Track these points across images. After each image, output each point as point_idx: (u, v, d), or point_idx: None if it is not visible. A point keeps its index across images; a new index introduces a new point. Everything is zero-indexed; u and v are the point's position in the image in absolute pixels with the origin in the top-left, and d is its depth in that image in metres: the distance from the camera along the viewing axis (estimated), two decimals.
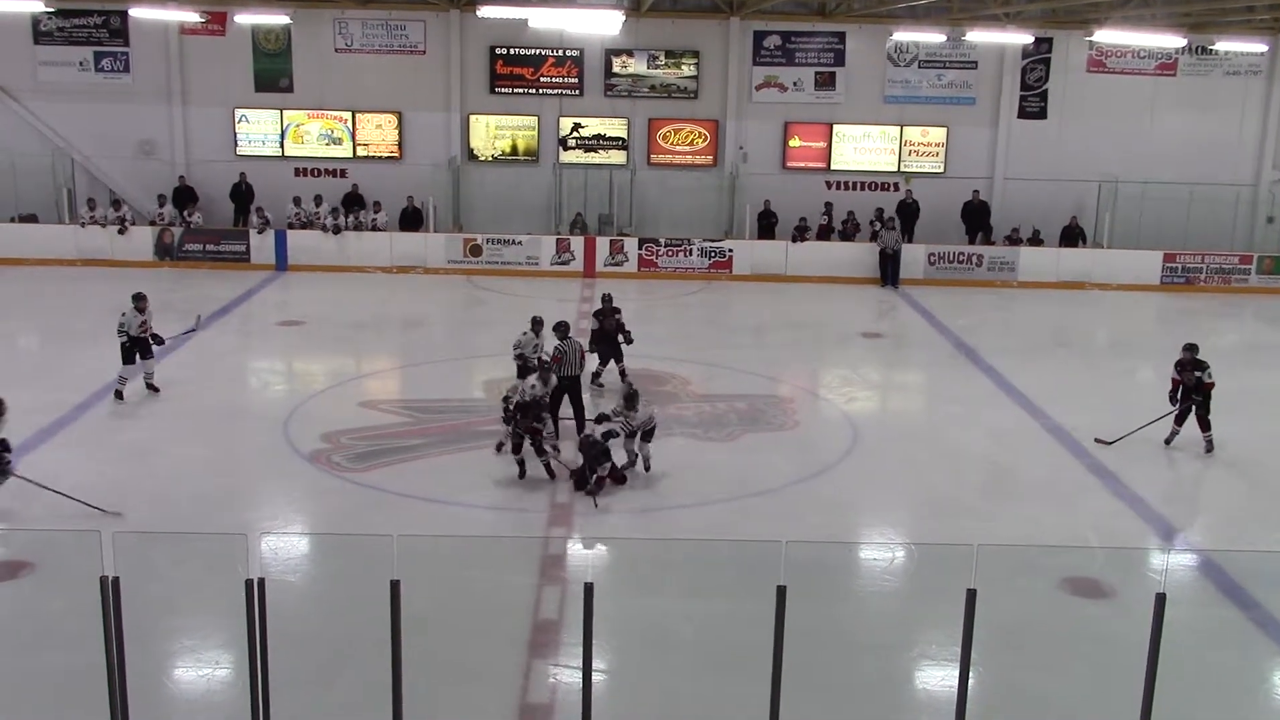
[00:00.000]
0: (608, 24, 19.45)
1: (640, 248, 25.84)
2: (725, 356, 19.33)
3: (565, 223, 26.94)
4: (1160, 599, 6.67)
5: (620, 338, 16.92)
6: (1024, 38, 24.99)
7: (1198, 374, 14.43)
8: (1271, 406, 17.22)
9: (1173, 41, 24.05)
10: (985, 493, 13.62)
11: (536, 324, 15.45)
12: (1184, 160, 27.29)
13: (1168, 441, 14.65)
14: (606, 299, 17.20)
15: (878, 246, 25.78)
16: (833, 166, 27.73)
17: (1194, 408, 14.46)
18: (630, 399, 13.23)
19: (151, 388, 15.91)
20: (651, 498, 12.81)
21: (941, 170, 27.76)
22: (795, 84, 27.32)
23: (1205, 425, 14.48)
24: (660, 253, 25.82)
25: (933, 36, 25.41)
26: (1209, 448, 14.48)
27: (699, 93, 27.22)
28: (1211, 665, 9.58)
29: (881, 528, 12.60)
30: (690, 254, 25.84)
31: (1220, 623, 10.40)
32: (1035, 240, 26.88)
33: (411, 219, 26.51)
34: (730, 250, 25.93)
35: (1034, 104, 27.78)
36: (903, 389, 19.59)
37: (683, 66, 27.10)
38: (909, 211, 27.03)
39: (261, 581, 6.78)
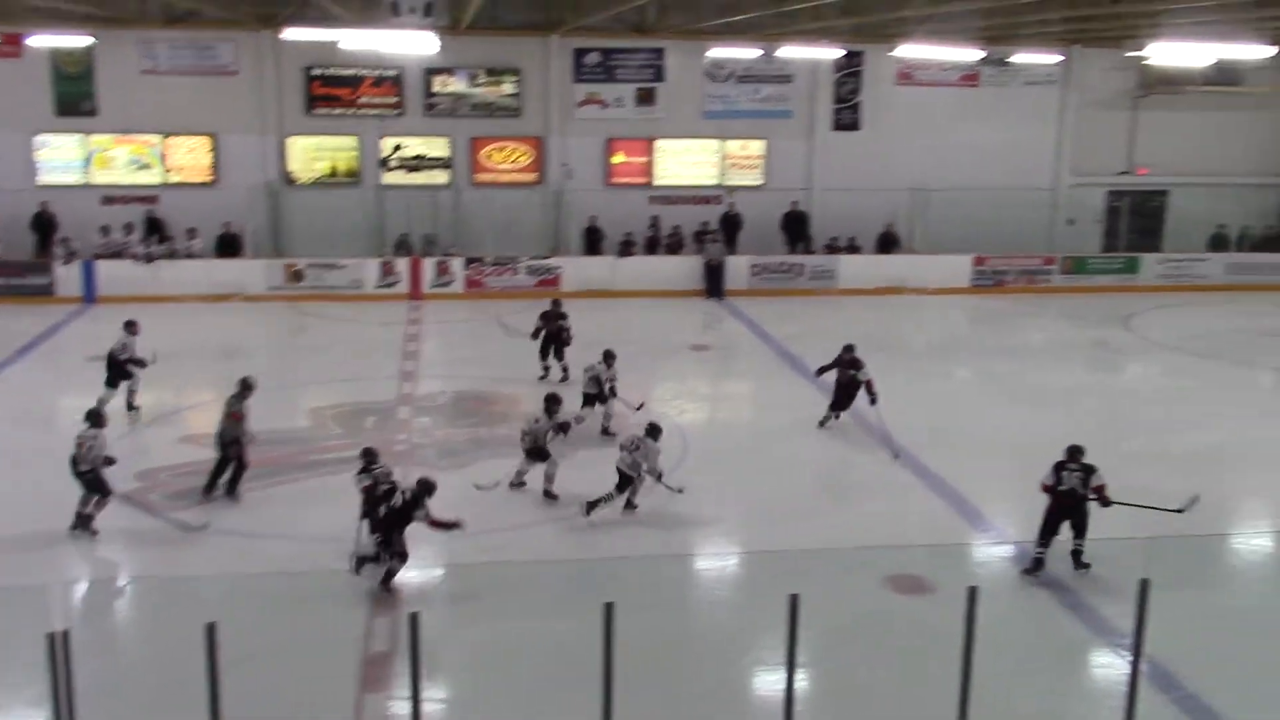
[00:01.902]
0: (423, 44, 19.24)
1: (467, 267, 25.67)
2: (555, 374, 19.30)
3: (389, 245, 26.55)
4: (972, 591, 6.90)
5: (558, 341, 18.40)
6: (835, 52, 25.74)
7: (852, 372, 15.84)
8: (1078, 399, 18.07)
9: (972, 54, 25.12)
10: (813, 498, 13.95)
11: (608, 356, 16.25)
12: (990, 167, 28.47)
13: (821, 424, 16.17)
14: (554, 303, 18.84)
15: (702, 259, 26.17)
16: (656, 181, 28.04)
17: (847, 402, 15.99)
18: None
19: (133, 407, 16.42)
20: (484, 519, 12.67)
21: (762, 182, 28.36)
22: (616, 100, 27.55)
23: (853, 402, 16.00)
24: (487, 272, 25.69)
25: (748, 52, 25.99)
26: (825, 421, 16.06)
27: (521, 110, 27.20)
28: (1028, 651, 9.99)
29: (714, 538, 12.76)
30: (518, 272, 25.79)
31: (1035, 609, 10.86)
32: (853, 248, 27.67)
33: (229, 245, 25.72)
34: (558, 267, 25.97)
35: (847, 116, 28.63)
36: (731, 399, 19.91)
37: (504, 85, 27.05)
38: (732, 223, 27.53)
39: (65, 634, 6.46)
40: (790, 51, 24.86)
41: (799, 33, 23.88)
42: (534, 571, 11.25)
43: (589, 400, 16.07)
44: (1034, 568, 11.25)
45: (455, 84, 26.86)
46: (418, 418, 16.85)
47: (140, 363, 16.33)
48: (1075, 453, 11.19)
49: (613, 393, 16.14)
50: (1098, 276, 27.96)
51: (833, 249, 27.56)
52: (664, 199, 28.04)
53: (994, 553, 12.37)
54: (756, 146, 28.31)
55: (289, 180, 26.66)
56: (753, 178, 28.38)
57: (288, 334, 23.17)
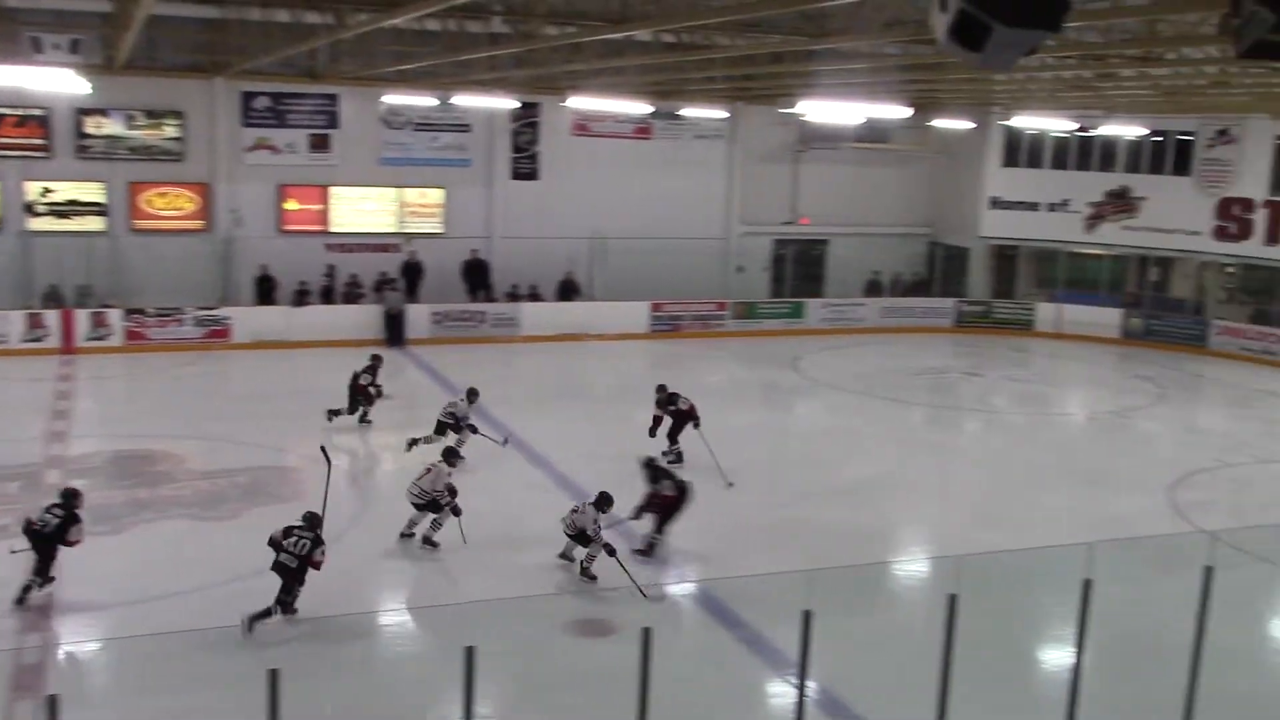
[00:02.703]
0: (70, 83, 17.97)
1: (126, 319, 24.10)
2: (226, 430, 18.37)
3: (37, 296, 24.53)
4: (646, 632, 6.95)
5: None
6: (510, 102, 25.97)
7: (671, 407, 16.71)
8: (750, 436, 18.79)
9: (641, 108, 25.95)
10: (491, 548, 13.74)
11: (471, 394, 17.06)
12: (664, 216, 29.47)
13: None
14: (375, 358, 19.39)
15: (382, 308, 25.66)
16: (332, 229, 27.29)
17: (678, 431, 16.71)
18: None
19: None
20: (144, 588, 11.81)
21: (442, 230, 28.15)
22: (288, 146, 26.68)
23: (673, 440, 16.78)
24: (150, 324, 24.21)
25: (424, 100, 25.80)
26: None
27: (185, 155, 25.85)
28: (704, 686, 10.18)
29: (382, 594, 12.40)
30: (184, 323, 24.44)
31: (713, 645, 11.11)
32: (534, 296, 27.89)
33: None
34: (228, 318, 24.80)
35: (526, 165, 28.92)
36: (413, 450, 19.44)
37: (165, 127, 25.65)
38: (413, 271, 27.17)
39: None
40: (467, 100, 24.89)
41: (475, 82, 23.94)
42: (197, 641, 10.52)
43: (440, 429, 16.74)
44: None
45: (111, 125, 25.24)
46: (69, 481, 15.53)
47: None
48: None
49: (471, 429, 16.73)
50: (767, 321, 29.39)
51: (514, 297, 27.68)
52: (341, 247, 27.34)
53: (674, 591, 12.60)
54: (435, 195, 28.11)
55: None
56: (433, 225, 28.13)
57: None
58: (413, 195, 27.95)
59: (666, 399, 16.84)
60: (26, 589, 11.19)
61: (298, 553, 10.97)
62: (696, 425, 16.55)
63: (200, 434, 17.88)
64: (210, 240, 26.14)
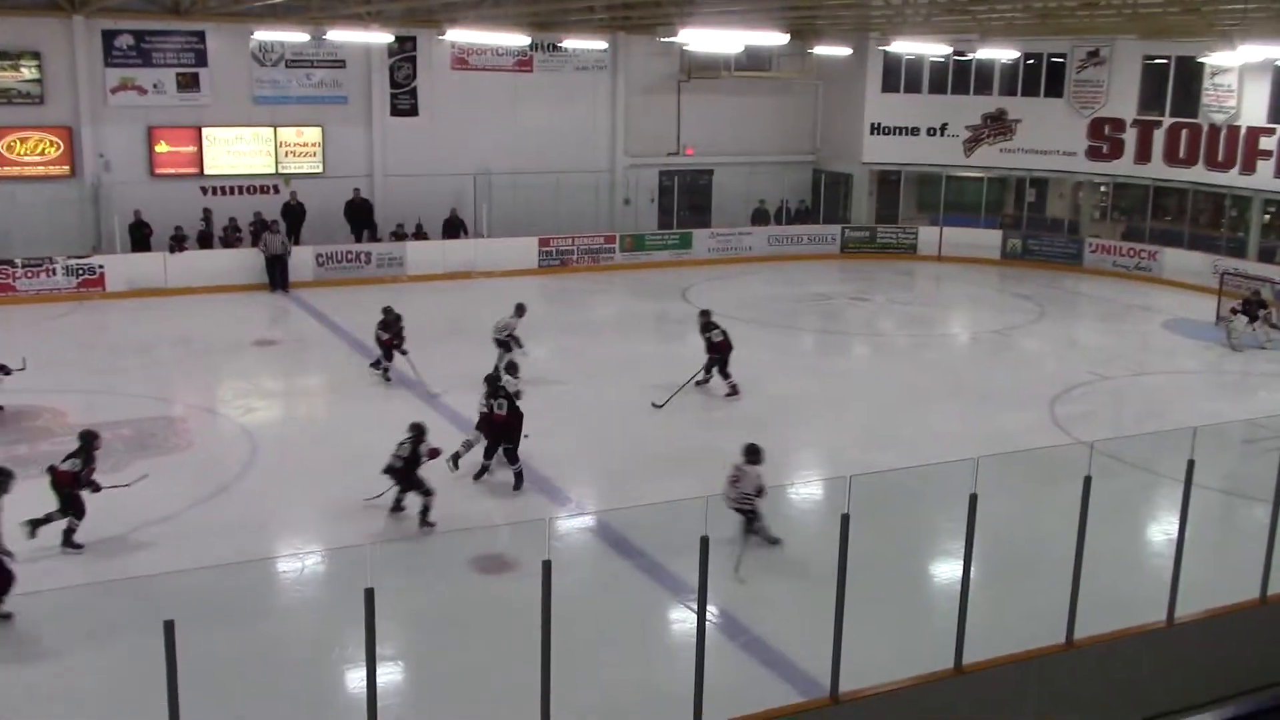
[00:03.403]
0: None
1: None
2: (106, 381, 17.85)
3: None
4: (546, 566, 6.97)
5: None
6: (385, 37, 25.33)
7: (707, 335, 17.38)
8: (636, 368, 18.83)
9: (520, 40, 25.55)
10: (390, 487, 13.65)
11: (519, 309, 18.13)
12: (549, 150, 29.20)
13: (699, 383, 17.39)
14: (387, 310, 18.08)
15: (262, 252, 25.04)
16: (207, 171, 26.43)
17: (715, 364, 17.39)
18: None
19: None
20: (32, 546, 11.46)
21: (321, 170, 27.47)
22: (156, 86, 25.70)
23: (725, 374, 17.43)
24: (18, 274, 23.29)
25: (296, 36, 24.99)
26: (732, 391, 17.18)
27: (45, 97, 24.73)
28: (609, 618, 10.29)
29: (287, 538, 12.24)
30: (54, 274, 23.56)
31: (613, 576, 11.22)
32: (420, 234, 27.47)
33: None
34: (101, 266, 23.96)
35: (405, 101, 28.33)
36: (303, 394, 19.15)
37: (22, 69, 24.48)
38: (294, 214, 26.53)
39: None
40: (341, 35, 24.22)
41: (348, 16, 23.32)
42: (89, 596, 10.27)
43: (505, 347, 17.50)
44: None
45: None
46: None
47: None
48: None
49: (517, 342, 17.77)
50: (655, 253, 29.40)
51: (399, 236, 27.23)
52: (217, 190, 26.55)
53: (573, 525, 12.67)
54: (313, 133, 27.39)
55: None
56: (312, 165, 27.45)
57: None
58: (289, 134, 27.19)
59: (706, 325, 17.65)
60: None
61: (401, 454, 12.20)
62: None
63: (80, 387, 17.35)
64: (78, 186, 25.15)
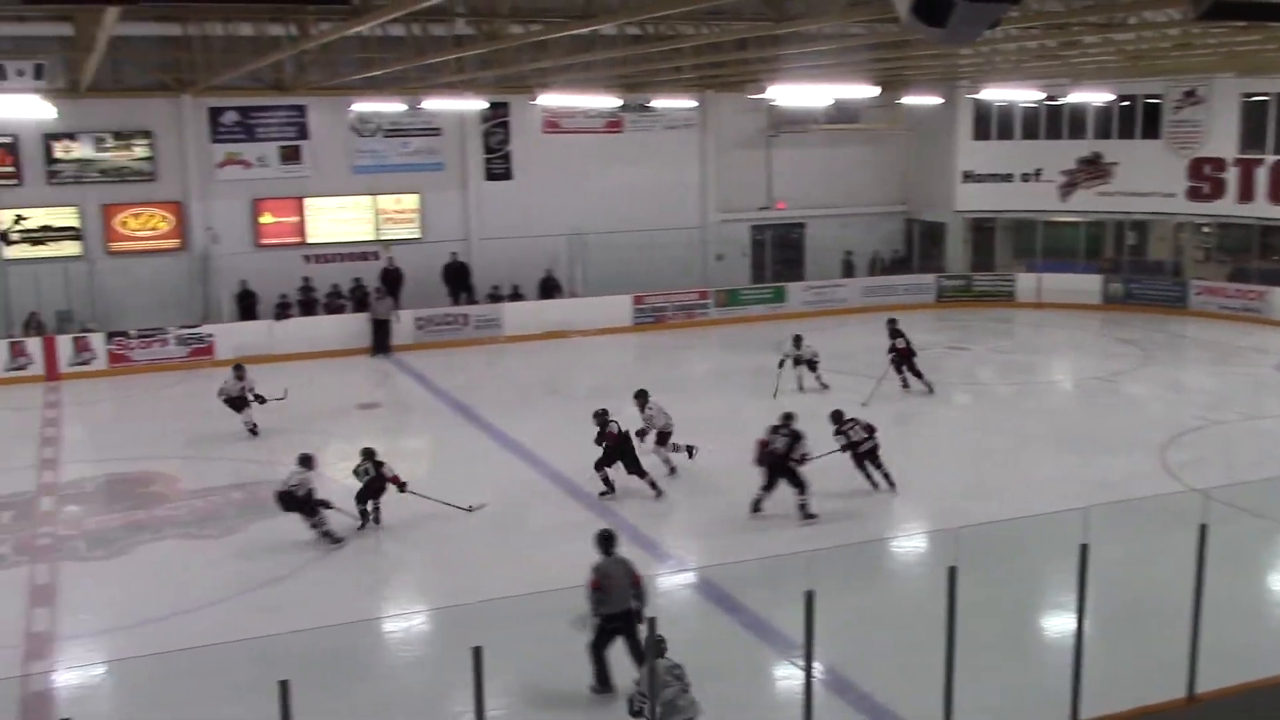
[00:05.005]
0: (36, 109, 17.83)
1: (109, 342, 24.00)
2: (216, 447, 18.33)
3: (17, 324, 24.43)
4: (651, 623, 6.99)
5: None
6: (479, 104, 25.93)
7: (893, 340, 20.16)
8: (737, 425, 18.76)
9: (611, 101, 25.96)
10: (492, 547, 13.79)
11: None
12: (641, 209, 29.47)
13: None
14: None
15: (370, 316, 25.60)
16: (309, 240, 27.24)
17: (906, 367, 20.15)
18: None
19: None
20: (151, 607, 11.81)
21: (419, 236, 28.11)
22: (260, 159, 26.61)
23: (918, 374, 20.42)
24: (133, 346, 24.13)
25: (393, 106, 25.74)
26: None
27: (157, 174, 25.77)
28: (713, 673, 10.21)
29: (395, 598, 12.41)
30: (167, 343, 24.36)
31: (717, 631, 11.16)
32: (516, 296, 27.88)
33: None
34: (210, 335, 24.73)
35: (499, 166, 28.90)
36: (405, 455, 19.36)
37: (135, 148, 25.54)
38: (393, 278, 27.12)
39: None
40: (436, 104, 24.85)
41: (443, 85, 23.88)
42: (203, 659, 10.52)
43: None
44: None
45: (80, 149, 25.13)
46: (63, 507, 15.55)
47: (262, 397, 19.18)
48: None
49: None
50: (750, 307, 29.44)
51: (496, 298, 27.67)
52: (319, 258, 27.29)
53: (675, 580, 12.65)
54: (410, 200, 28.07)
55: None
56: (410, 231, 28.10)
57: None
58: (388, 202, 27.90)
59: (894, 332, 20.56)
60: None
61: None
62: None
63: (191, 453, 17.87)
64: (188, 258, 26.07)
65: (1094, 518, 8.28)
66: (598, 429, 14.98)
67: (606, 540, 9.86)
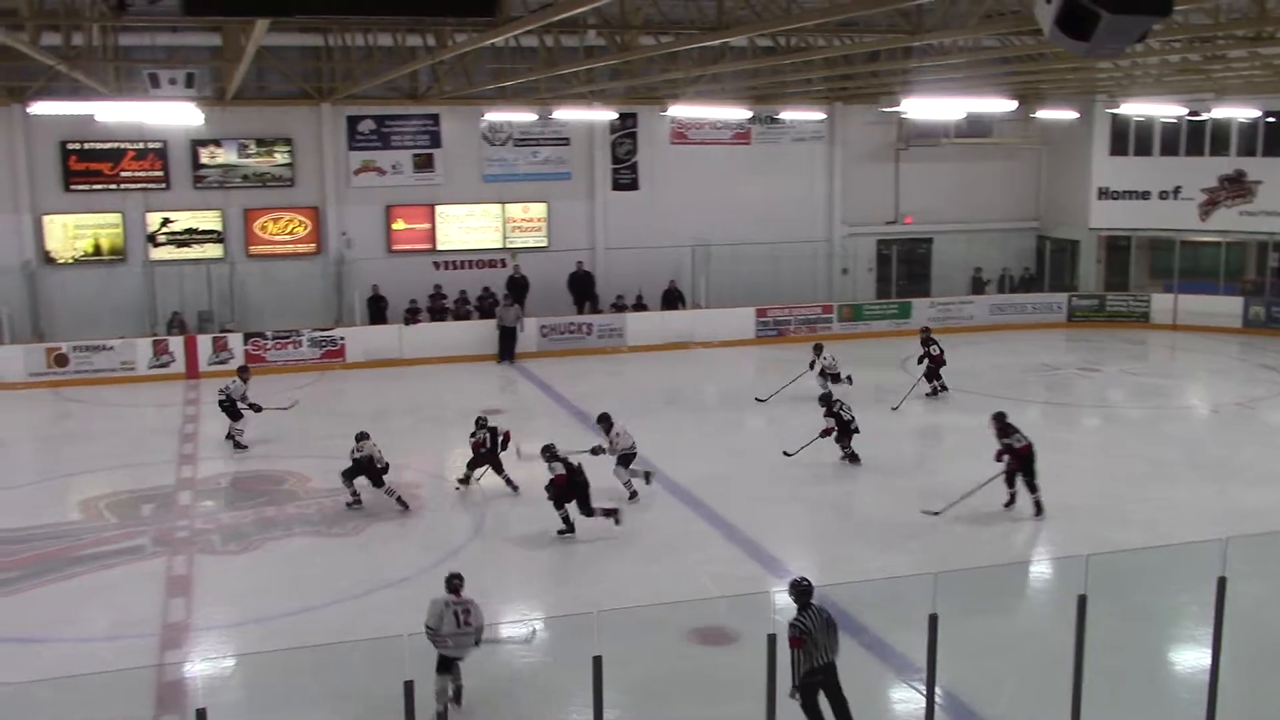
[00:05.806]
0: (186, 116, 18.57)
1: (246, 343, 24.78)
2: (344, 448, 18.70)
3: (162, 323, 25.43)
4: (771, 640, 6.94)
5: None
6: (608, 115, 26.16)
7: (1006, 440, 14.88)
8: (865, 438, 18.57)
9: (740, 113, 25.95)
10: (611, 556, 13.86)
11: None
12: (767, 221, 29.42)
13: (1007, 506, 14.97)
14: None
15: (498, 324, 26.00)
16: (439, 247, 27.80)
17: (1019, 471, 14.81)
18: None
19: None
20: (280, 602, 12.15)
21: (545, 244, 28.46)
22: (394, 167, 27.27)
23: (1032, 488, 14.83)
24: (268, 346, 24.87)
25: (524, 115, 26.13)
26: (1038, 510, 14.74)
27: (295, 180, 26.58)
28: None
29: (513, 604, 12.55)
30: (300, 345, 25.06)
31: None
32: (639, 305, 28.03)
33: None
34: (342, 338, 25.37)
35: (626, 176, 29.10)
36: (526, 463, 19.65)
37: (276, 154, 26.39)
38: (518, 286, 27.49)
39: None
40: (565, 114, 25.15)
41: (572, 96, 24.18)
42: (331, 655, 10.78)
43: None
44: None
45: (224, 154, 26.07)
46: (200, 502, 16.10)
47: (257, 406, 18.79)
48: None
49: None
50: (874, 322, 29.13)
51: (619, 307, 27.85)
52: (447, 264, 27.82)
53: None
54: (538, 209, 28.44)
55: (48, 259, 25.26)
56: (537, 240, 28.46)
57: (49, 422, 21.75)
58: (516, 210, 28.33)
59: (1002, 429, 15.11)
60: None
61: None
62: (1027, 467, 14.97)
63: (321, 452, 18.26)
64: (323, 263, 26.84)
65: (1233, 550, 8.00)
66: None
67: (803, 593, 9.03)
